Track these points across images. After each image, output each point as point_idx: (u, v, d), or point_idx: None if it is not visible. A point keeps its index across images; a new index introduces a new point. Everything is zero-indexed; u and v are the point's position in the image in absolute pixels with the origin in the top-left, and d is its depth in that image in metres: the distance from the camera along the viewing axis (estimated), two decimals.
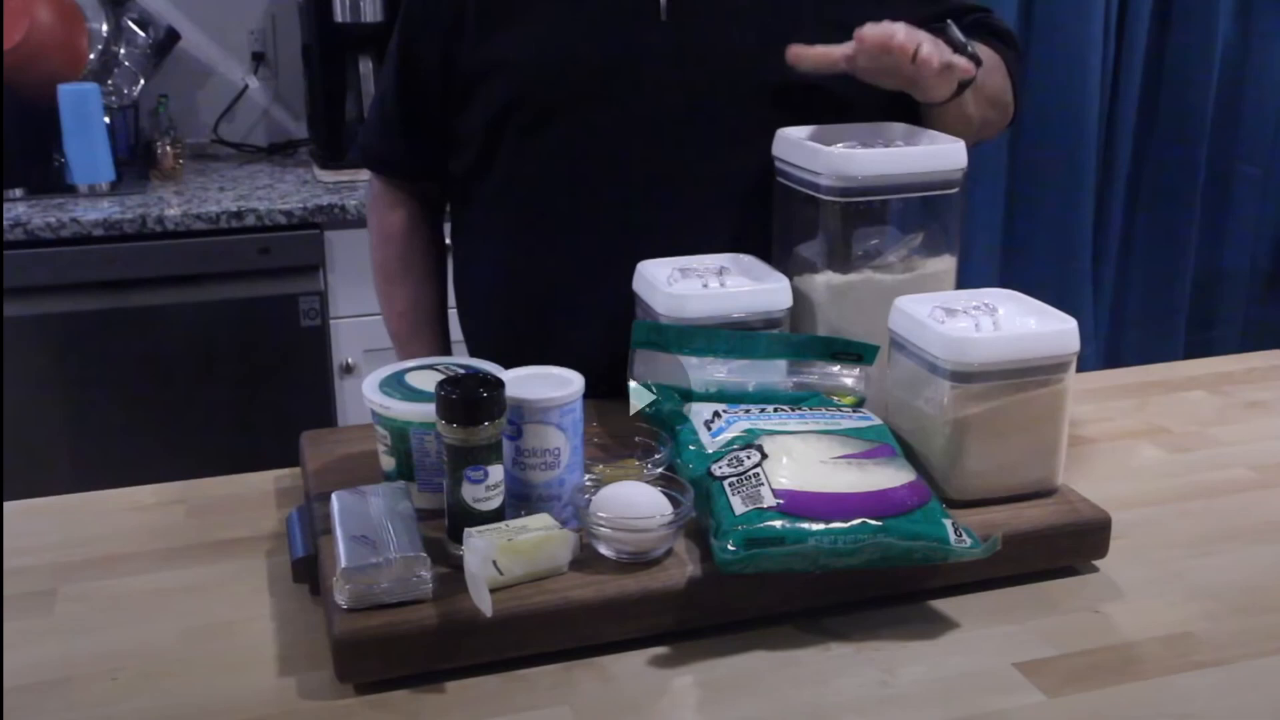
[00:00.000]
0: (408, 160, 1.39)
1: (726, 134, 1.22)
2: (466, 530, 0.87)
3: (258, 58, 2.72)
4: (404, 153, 1.38)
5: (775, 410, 1.01)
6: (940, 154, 1.12)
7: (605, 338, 1.13)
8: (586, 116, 1.23)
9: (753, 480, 0.90)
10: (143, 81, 2.50)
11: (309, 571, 0.94)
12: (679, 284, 1.09)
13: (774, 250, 1.18)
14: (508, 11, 1.24)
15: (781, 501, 0.87)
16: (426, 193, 1.43)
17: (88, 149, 2.26)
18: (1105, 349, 2.86)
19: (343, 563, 0.84)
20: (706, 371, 1.06)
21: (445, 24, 1.26)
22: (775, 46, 1.20)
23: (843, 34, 1.18)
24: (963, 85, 1.16)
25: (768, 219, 1.20)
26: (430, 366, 1.03)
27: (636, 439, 1.02)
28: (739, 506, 0.88)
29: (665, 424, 1.03)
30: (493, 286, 1.33)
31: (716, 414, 1.00)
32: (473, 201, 1.34)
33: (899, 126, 1.19)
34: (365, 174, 1.49)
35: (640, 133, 1.22)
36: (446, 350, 1.44)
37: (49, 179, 2.27)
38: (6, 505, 1.09)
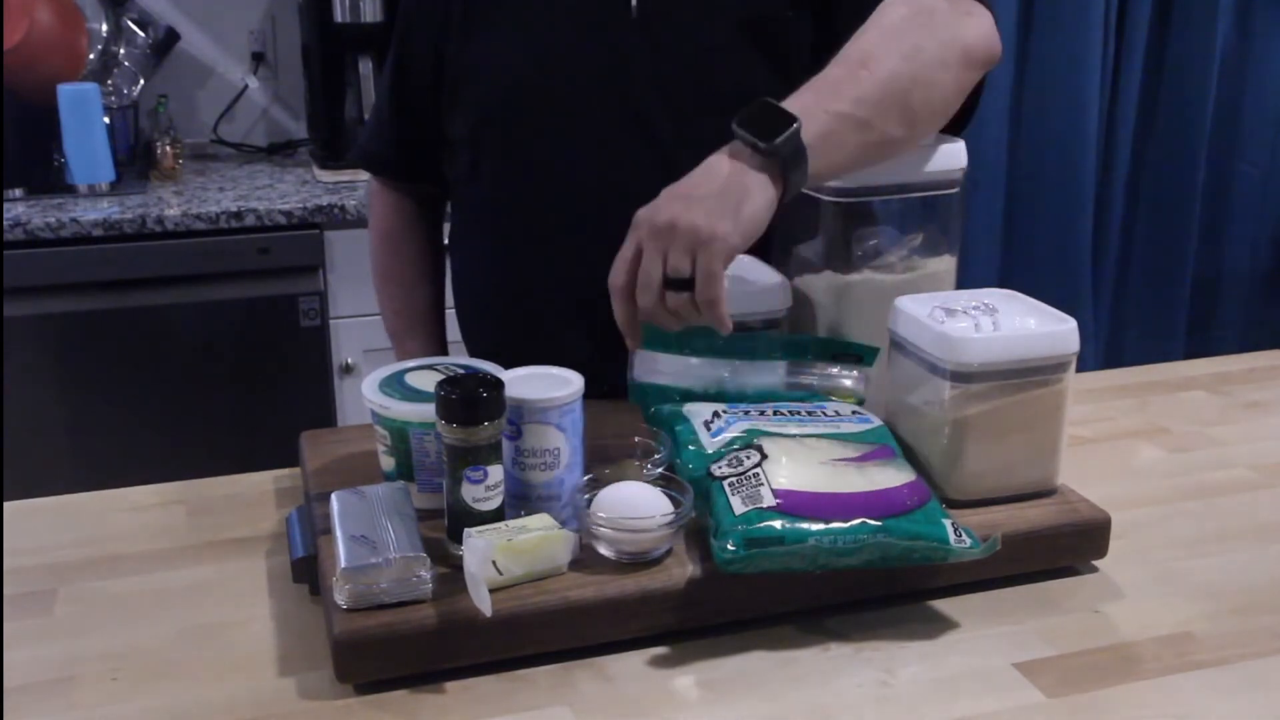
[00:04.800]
0: (401, 161, 1.39)
1: (712, 131, 1.21)
2: (466, 530, 0.87)
3: (257, 58, 2.72)
4: (397, 153, 1.38)
5: (775, 412, 1.01)
6: (940, 154, 1.11)
7: (603, 338, 1.13)
8: (569, 120, 1.23)
9: (752, 480, 0.90)
10: (142, 81, 2.50)
11: (309, 571, 0.94)
12: None
13: (774, 250, 1.18)
14: (490, 11, 1.24)
15: (781, 501, 0.87)
16: (423, 194, 1.43)
17: (87, 149, 2.27)
18: (1105, 349, 2.86)
19: (342, 563, 0.84)
20: (706, 371, 1.06)
21: (435, 22, 1.27)
22: (748, 38, 1.19)
23: (818, 19, 1.16)
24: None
25: None
26: (430, 366, 1.03)
27: (636, 439, 1.02)
28: (739, 506, 0.88)
29: (665, 424, 1.02)
30: (489, 289, 1.33)
31: (716, 414, 1.00)
32: (467, 205, 1.34)
33: None
34: (365, 174, 1.49)
35: (625, 133, 1.22)
36: (442, 348, 1.45)
37: (49, 179, 2.28)
38: (6, 505, 1.09)
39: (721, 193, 0.93)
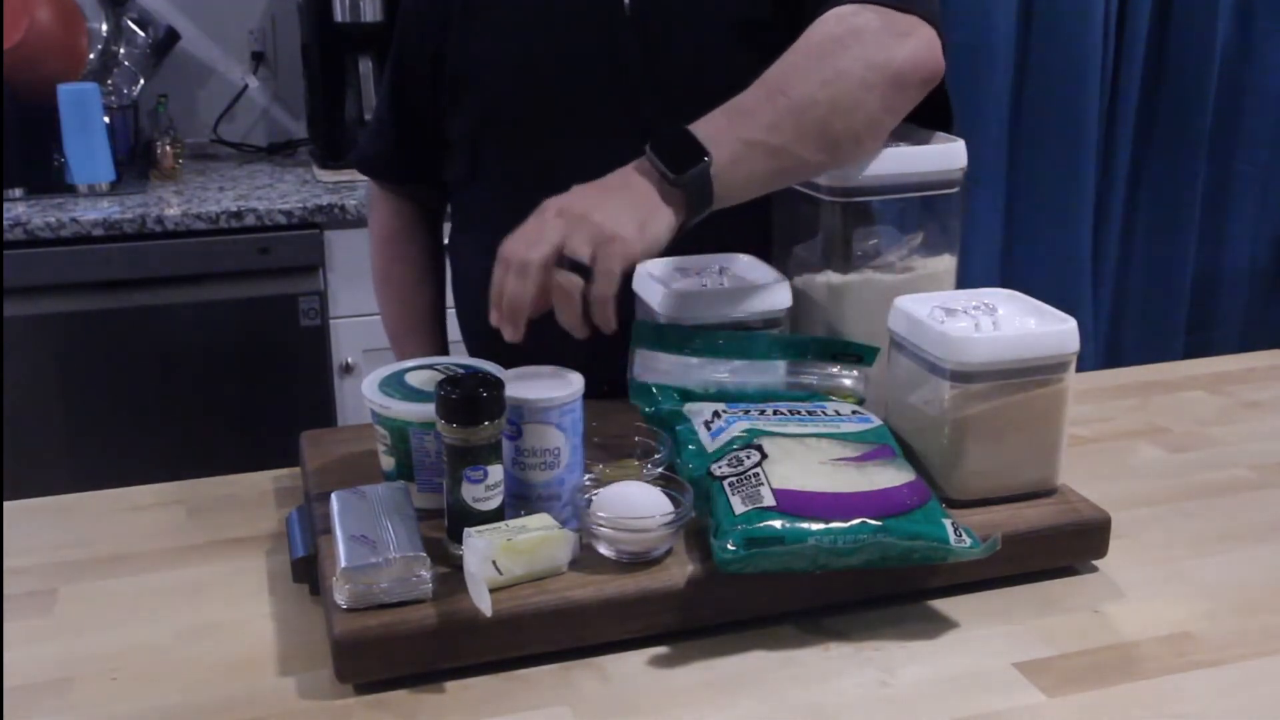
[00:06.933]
0: (399, 164, 1.39)
1: None
2: (466, 530, 0.87)
3: (257, 58, 2.72)
4: (395, 156, 1.38)
5: (775, 412, 1.01)
6: (940, 154, 1.12)
7: (602, 338, 1.13)
8: (566, 120, 1.23)
9: (752, 480, 0.90)
10: (142, 81, 2.50)
11: (309, 571, 0.94)
12: (679, 284, 1.09)
13: (774, 250, 1.18)
14: (488, 13, 1.24)
15: (781, 501, 0.87)
16: (423, 197, 1.43)
17: (87, 149, 2.26)
18: (1105, 349, 2.86)
19: (342, 563, 0.84)
20: (706, 371, 1.06)
21: (435, 24, 1.27)
22: (739, 38, 1.19)
23: (792, 16, 1.17)
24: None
25: (766, 218, 1.20)
26: (430, 366, 1.03)
27: (636, 439, 1.02)
28: (739, 506, 0.88)
29: (665, 424, 1.02)
30: (487, 289, 1.33)
31: (716, 414, 1.00)
32: (466, 206, 1.34)
33: (899, 126, 1.19)
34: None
35: (621, 132, 1.21)
36: (443, 349, 1.45)
37: (49, 179, 2.27)
38: (6, 505, 1.09)
39: (633, 203, 0.95)
